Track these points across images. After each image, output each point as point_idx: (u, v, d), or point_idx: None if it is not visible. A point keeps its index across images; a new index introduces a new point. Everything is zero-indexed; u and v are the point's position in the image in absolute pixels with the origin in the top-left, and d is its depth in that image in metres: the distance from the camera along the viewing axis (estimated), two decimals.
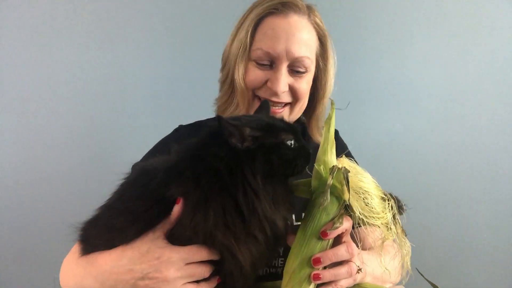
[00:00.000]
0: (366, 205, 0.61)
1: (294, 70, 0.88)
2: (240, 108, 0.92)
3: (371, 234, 0.79)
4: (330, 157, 0.63)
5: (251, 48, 0.88)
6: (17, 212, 1.51)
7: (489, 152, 1.50)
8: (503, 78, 1.49)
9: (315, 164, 0.64)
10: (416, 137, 1.51)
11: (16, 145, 1.50)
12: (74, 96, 1.49)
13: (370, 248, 0.81)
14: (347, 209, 0.63)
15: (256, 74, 0.88)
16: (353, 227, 0.64)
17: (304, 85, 0.91)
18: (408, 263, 0.65)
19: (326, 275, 0.60)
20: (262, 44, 0.86)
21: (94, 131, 1.51)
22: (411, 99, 1.51)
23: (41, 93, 1.48)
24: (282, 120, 0.68)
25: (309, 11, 0.89)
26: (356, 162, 0.68)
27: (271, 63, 0.88)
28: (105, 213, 0.65)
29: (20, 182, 1.50)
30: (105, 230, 0.63)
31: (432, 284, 0.70)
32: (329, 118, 0.63)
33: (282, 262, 0.82)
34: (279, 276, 0.66)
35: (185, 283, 0.60)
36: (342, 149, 0.99)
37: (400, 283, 0.85)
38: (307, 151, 0.63)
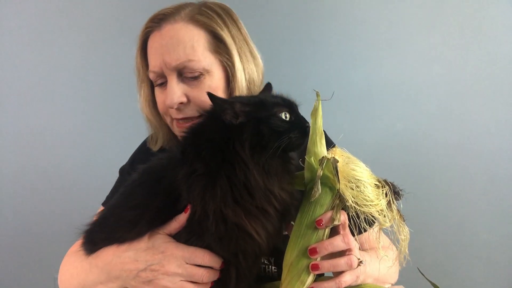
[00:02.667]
0: (360, 193, 0.61)
1: (188, 75, 0.79)
2: (160, 138, 0.90)
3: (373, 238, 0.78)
4: (320, 148, 0.64)
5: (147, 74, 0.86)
6: (17, 212, 1.54)
7: (489, 152, 1.49)
8: (503, 78, 1.47)
9: (305, 156, 0.64)
10: (416, 137, 1.51)
11: (16, 145, 1.53)
12: (74, 96, 1.52)
13: (371, 250, 0.81)
14: (342, 200, 0.64)
15: (159, 98, 0.85)
16: (359, 232, 0.64)
17: (204, 93, 0.78)
18: (406, 249, 0.64)
19: (325, 265, 0.61)
20: (150, 66, 0.83)
21: (94, 131, 1.53)
22: (411, 99, 1.50)
23: (41, 93, 1.51)
24: (279, 96, 0.67)
25: (183, 10, 0.81)
26: None
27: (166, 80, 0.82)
28: (114, 211, 0.67)
29: (20, 182, 1.53)
30: (115, 228, 0.65)
31: (432, 284, 0.70)
32: (315, 109, 0.63)
33: (275, 270, 0.82)
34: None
35: (183, 281, 0.61)
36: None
37: (399, 282, 0.85)
38: (304, 124, 0.62)
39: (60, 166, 1.53)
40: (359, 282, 0.66)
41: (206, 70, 0.79)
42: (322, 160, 0.61)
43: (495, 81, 1.47)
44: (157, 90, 0.86)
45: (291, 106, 0.63)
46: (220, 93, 0.82)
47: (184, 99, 0.80)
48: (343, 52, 1.50)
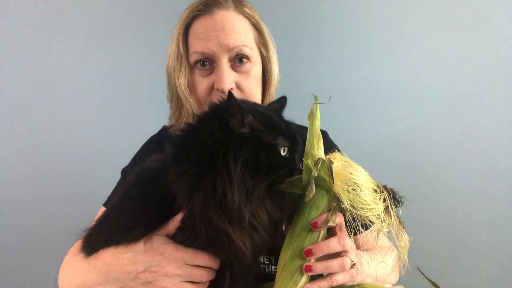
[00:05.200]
0: (356, 196, 0.61)
1: (236, 62, 0.83)
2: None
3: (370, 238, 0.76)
4: (317, 151, 0.65)
5: (188, 57, 0.87)
6: (17, 212, 1.56)
7: (489, 152, 1.47)
8: (503, 77, 1.46)
9: (303, 159, 0.65)
10: (416, 136, 1.50)
11: (16, 145, 1.55)
12: (75, 97, 1.55)
13: (371, 250, 0.79)
14: (339, 203, 0.64)
15: (201, 84, 0.86)
16: (355, 235, 0.63)
17: (252, 82, 0.86)
18: (405, 256, 0.63)
19: (318, 267, 0.61)
20: (195, 47, 0.84)
21: (95, 132, 1.55)
22: (411, 99, 1.51)
23: (41, 93, 1.54)
24: (289, 125, 0.65)
25: (235, 2, 0.86)
26: None
27: (211, 64, 0.85)
28: (110, 215, 0.68)
29: (20, 182, 1.56)
30: (112, 232, 0.65)
31: (432, 283, 0.67)
32: (312, 112, 0.65)
33: (275, 270, 0.79)
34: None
35: (182, 281, 0.62)
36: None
37: (399, 282, 0.82)
38: (294, 166, 0.61)
39: (61, 167, 1.55)
40: (356, 282, 0.66)
41: (253, 60, 0.86)
42: (317, 161, 0.62)
43: (495, 80, 1.46)
44: (197, 77, 0.87)
45: (293, 144, 0.61)
46: (260, 84, 0.89)
47: (234, 86, 0.84)
48: (343, 52, 1.52)
